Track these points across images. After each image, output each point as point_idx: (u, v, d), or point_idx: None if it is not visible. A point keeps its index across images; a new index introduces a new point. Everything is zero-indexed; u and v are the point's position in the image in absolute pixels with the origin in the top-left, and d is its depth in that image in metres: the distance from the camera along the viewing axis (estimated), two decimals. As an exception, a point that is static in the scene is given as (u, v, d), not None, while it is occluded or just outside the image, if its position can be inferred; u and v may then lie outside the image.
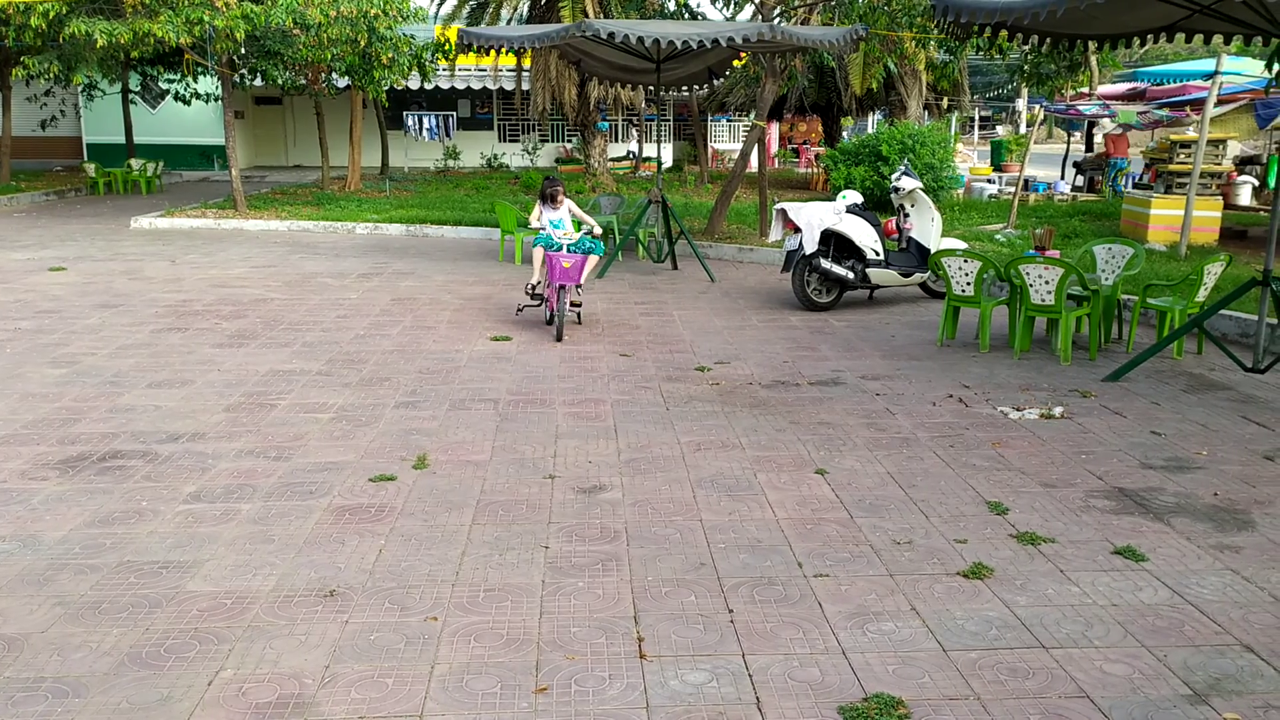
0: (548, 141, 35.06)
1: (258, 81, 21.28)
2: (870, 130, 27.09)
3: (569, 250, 9.15)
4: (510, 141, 35.43)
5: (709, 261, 13.53)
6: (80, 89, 26.46)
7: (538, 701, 3.50)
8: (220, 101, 20.64)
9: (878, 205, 17.38)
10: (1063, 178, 23.59)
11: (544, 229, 9.54)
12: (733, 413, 6.99)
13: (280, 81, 20.20)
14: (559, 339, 9.12)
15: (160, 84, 27.32)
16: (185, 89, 23.99)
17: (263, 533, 4.93)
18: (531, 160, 32.87)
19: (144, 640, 3.89)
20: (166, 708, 3.45)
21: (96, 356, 8.41)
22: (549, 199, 9.73)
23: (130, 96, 27.64)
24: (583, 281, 9.37)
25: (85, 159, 30.29)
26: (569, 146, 34.27)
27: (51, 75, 17.46)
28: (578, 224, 9.89)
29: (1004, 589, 4.37)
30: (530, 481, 5.67)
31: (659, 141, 13.38)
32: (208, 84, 25.65)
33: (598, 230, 9.66)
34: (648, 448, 6.24)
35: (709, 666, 3.73)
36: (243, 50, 18.96)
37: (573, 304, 9.53)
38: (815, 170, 26.67)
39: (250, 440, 6.34)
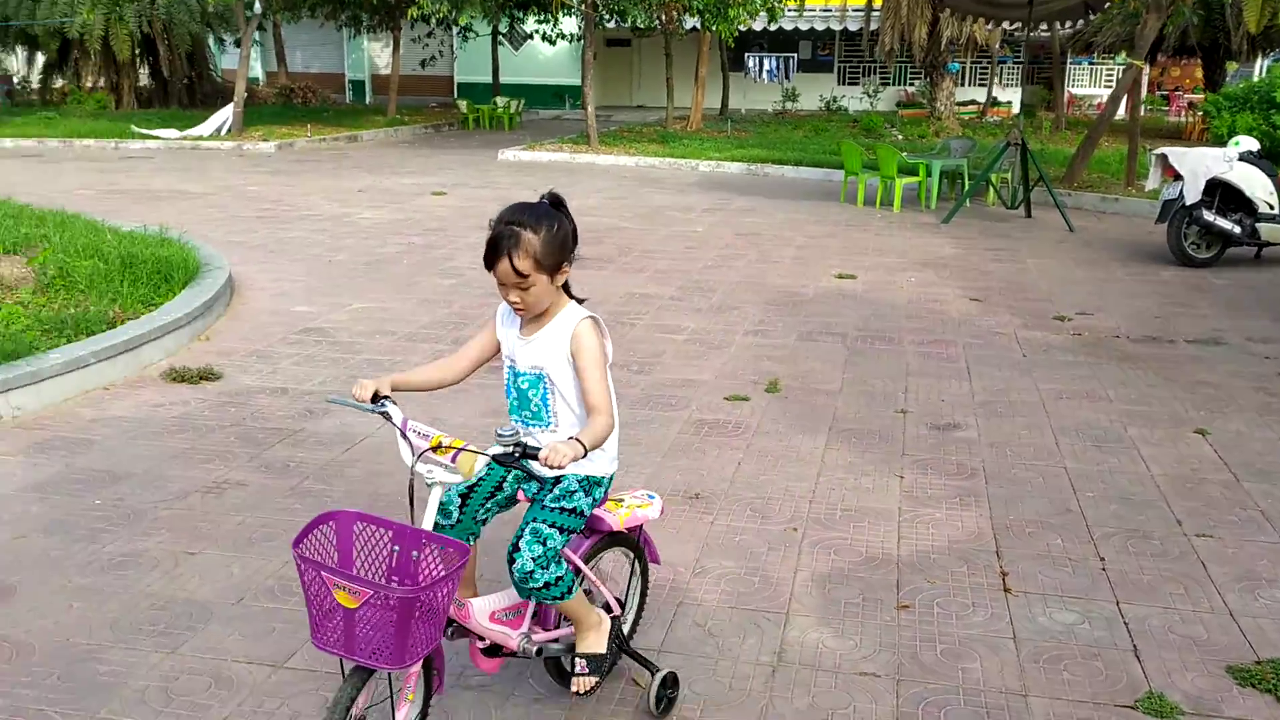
0: (889, 84, 34.14)
1: (610, 24, 22.19)
2: (1261, 75, 24.20)
3: (477, 501, 2.84)
4: (849, 84, 34.83)
5: (1067, 210, 12.74)
6: (457, 31, 28.74)
7: (900, 617, 3.57)
8: (579, 42, 21.74)
9: (1268, 158, 15.54)
10: None
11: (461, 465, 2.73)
12: (1098, 364, 6.62)
13: (639, 22, 20.92)
14: None
15: (524, 27, 29.17)
16: (552, 30, 25.40)
17: (631, 436, 5.28)
18: (871, 103, 32.12)
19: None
20: (560, 575, 3.83)
21: (478, 270, 9.23)
22: (503, 277, 2.65)
23: (498, 39, 29.71)
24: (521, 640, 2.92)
25: (456, 96, 32.98)
26: (910, 90, 33.20)
27: (440, 16, 19.03)
28: (528, 399, 2.84)
29: None
30: (881, 414, 5.68)
31: (1020, 84, 12.67)
32: (570, 25, 27.05)
33: (599, 434, 2.65)
34: (1004, 392, 6.06)
35: (1079, 609, 3.63)
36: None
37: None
38: (1189, 118, 24.27)
39: (614, 354, 6.76)
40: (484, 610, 2.75)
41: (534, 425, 2.83)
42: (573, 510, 2.78)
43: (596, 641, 2.89)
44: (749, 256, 10.19)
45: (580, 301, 2.84)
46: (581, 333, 2.74)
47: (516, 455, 2.50)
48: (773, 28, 29.01)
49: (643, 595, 3.26)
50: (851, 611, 3.60)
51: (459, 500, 2.81)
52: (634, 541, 3.11)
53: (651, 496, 3.08)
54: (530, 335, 2.80)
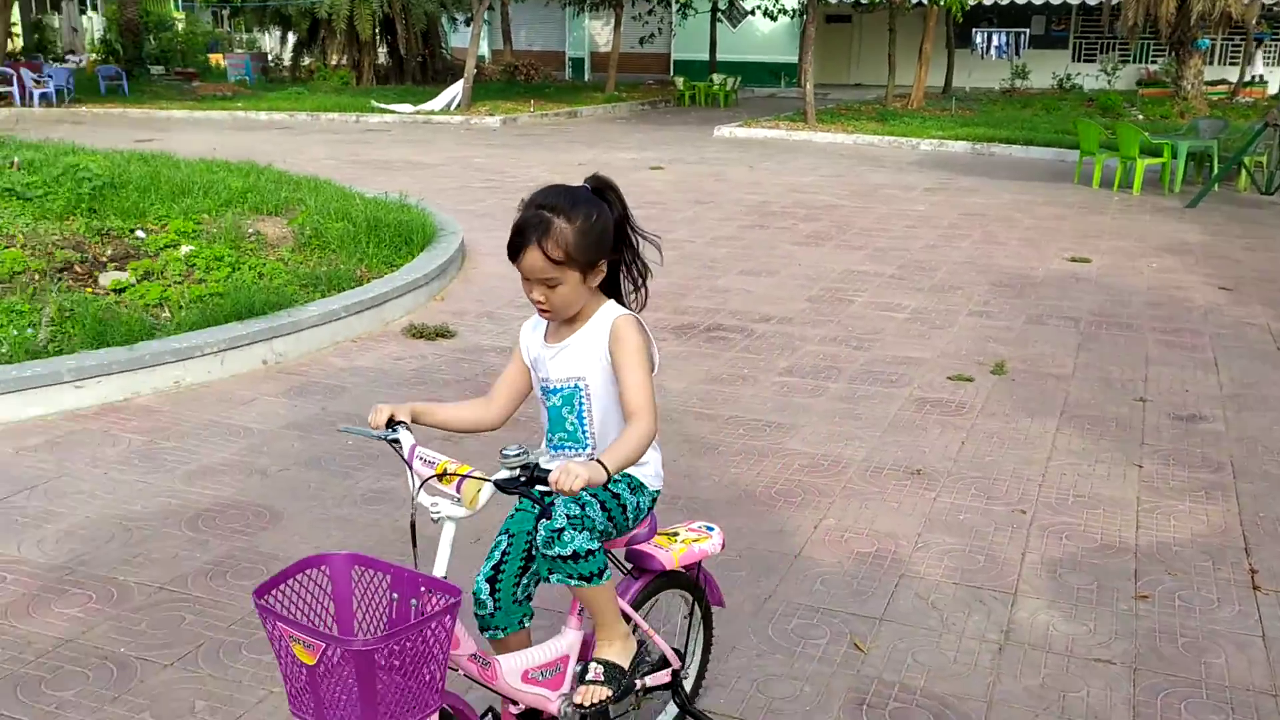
0: (1129, 62, 32.08)
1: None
2: None
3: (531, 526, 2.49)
4: (1086, 61, 32.99)
5: (1332, 197, 11.69)
6: (676, 8, 28.97)
7: (1139, 607, 3.42)
8: (798, 18, 21.49)
9: None
10: None
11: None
12: (1366, 361, 6.09)
13: (863, -3, 20.51)
14: None
15: (744, 4, 29.10)
16: (774, 5, 25.26)
17: (849, 410, 5.25)
18: (1109, 82, 30.27)
19: (757, 481, 4.38)
20: (781, 539, 3.87)
21: (695, 244, 9.36)
22: (528, 271, 2.27)
23: (717, 16, 29.75)
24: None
25: (673, 73, 33.27)
26: (1153, 68, 31.10)
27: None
28: (561, 420, 2.44)
29: None
30: (1118, 401, 5.41)
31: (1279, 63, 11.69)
32: (790, 1, 26.79)
33: (633, 445, 2.20)
34: (1255, 386, 5.66)
35: (1341, 615, 3.38)
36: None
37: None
38: None
39: (832, 329, 6.73)
40: (515, 669, 2.30)
41: (569, 449, 2.40)
42: (615, 495, 2.33)
43: (621, 653, 2.40)
44: (973, 237, 9.86)
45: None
46: (621, 325, 2.29)
47: (523, 480, 2.10)
48: (1004, 2, 27.77)
49: (706, 645, 2.79)
50: (1085, 597, 3.48)
51: (488, 587, 2.41)
52: (692, 582, 2.68)
53: (710, 528, 2.66)
54: (560, 341, 2.35)
